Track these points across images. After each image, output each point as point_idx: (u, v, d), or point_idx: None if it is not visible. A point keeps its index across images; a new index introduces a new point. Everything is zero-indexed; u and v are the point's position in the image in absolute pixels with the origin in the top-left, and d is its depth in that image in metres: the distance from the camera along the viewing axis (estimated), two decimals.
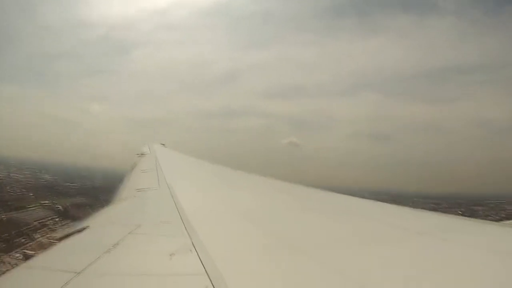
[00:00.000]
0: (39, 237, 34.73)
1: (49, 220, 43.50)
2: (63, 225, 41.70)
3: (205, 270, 2.01)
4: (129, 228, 2.93)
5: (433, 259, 2.20)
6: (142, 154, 10.36)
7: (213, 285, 1.84)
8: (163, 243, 2.67)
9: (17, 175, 65.71)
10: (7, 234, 34.90)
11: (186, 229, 2.90)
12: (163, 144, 13.44)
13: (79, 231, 3.04)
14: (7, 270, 2.16)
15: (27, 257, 2.45)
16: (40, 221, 41.94)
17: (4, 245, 32.24)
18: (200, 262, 2.14)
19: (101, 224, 3.45)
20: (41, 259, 2.42)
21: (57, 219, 44.40)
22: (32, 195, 52.27)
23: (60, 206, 48.24)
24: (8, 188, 54.37)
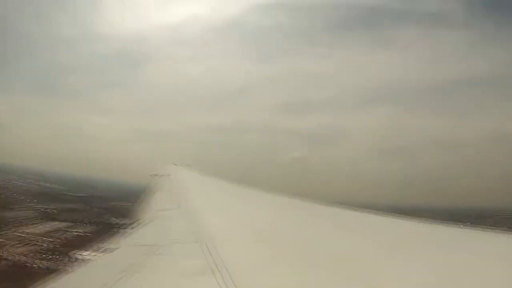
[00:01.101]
0: (8, 231, 37.36)
1: (27, 219, 44.80)
2: (38, 224, 44.47)
3: None
4: (151, 249, 3.01)
5: (457, 272, 2.15)
6: (163, 175, 10.53)
7: None
8: (185, 264, 2.68)
9: (21, 183, 68.78)
10: None
11: (208, 250, 2.90)
12: (187, 164, 13.50)
13: (110, 251, 3.18)
14: None
15: None
16: (20, 219, 43.40)
17: None
18: (223, 283, 2.15)
19: (123, 244, 3.54)
20: (62, 281, 2.48)
21: (35, 219, 46.02)
22: (28, 200, 54.27)
23: (47, 209, 50.79)
24: (6, 192, 56.79)
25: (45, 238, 38.31)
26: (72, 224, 46.50)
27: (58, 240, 38.68)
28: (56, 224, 45.31)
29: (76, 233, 42.31)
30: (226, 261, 2.53)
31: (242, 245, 3.35)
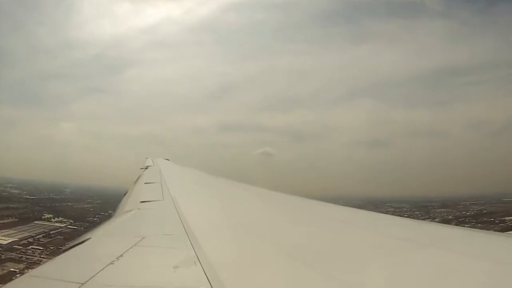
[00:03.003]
0: None
1: None
2: None
3: (209, 283, 2.01)
4: (133, 240, 2.92)
5: (441, 270, 2.15)
6: (146, 167, 10.43)
7: None
8: (167, 255, 2.67)
9: None
10: None
11: (190, 241, 2.88)
12: (167, 159, 13.50)
13: (82, 242, 3.03)
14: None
15: None
16: None
17: None
18: (204, 274, 2.14)
19: (105, 235, 3.45)
20: (45, 269, 2.53)
21: None
22: None
23: None
24: None
25: None
26: None
27: None
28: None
29: None
30: (208, 253, 2.50)
31: (226, 237, 3.31)
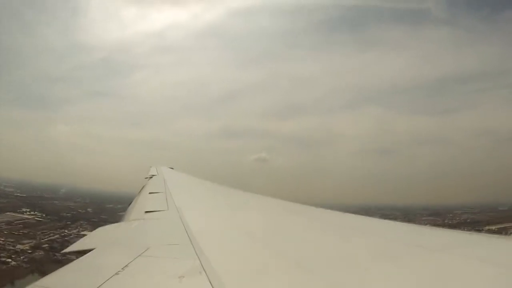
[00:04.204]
0: None
1: None
2: None
3: None
4: (138, 251, 2.91)
5: (453, 276, 2.14)
6: (150, 176, 10.43)
7: None
8: (173, 265, 2.67)
9: None
10: None
11: (195, 252, 2.87)
12: (171, 168, 13.48)
13: (87, 251, 3.03)
14: None
15: None
16: None
17: None
18: (209, 284, 2.13)
19: (109, 245, 3.43)
20: (49, 280, 2.44)
21: None
22: None
23: None
24: None
25: None
26: None
27: None
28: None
29: None
30: (214, 263, 2.49)
31: (232, 247, 3.30)
